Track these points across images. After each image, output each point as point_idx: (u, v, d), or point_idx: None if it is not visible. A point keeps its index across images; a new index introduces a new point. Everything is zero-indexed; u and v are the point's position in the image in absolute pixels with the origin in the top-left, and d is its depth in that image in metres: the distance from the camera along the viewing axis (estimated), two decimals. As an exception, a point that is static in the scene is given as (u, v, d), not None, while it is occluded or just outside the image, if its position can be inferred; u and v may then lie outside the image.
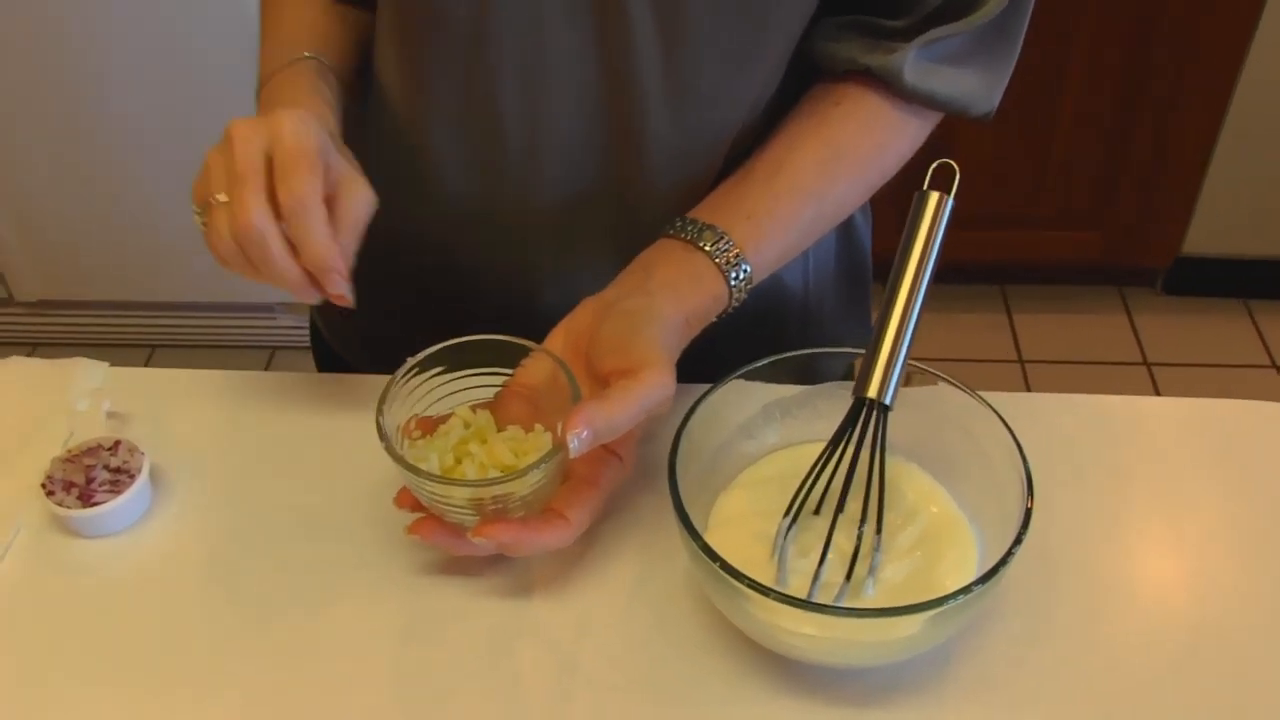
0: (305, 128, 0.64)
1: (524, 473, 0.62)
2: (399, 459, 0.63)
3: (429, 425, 0.68)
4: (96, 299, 2.25)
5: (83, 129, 2.00)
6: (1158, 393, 2.23)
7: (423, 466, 0.64)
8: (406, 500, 0.67)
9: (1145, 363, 2.30)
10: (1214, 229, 2.26)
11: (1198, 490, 0.75)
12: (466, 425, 0.68)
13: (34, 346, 2.26)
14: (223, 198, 0.64)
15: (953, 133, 2.26)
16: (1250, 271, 2.36)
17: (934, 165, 0.68)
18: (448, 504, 0.64)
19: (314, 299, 0.66)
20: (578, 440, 0.60)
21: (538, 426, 0.67)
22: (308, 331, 1.03)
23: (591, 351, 0.66)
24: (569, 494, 0.65)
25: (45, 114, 1.98)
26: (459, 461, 0.66)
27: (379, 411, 0.65)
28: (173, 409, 0.81)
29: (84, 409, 0.78)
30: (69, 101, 1.96)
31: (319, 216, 0.64)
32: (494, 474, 0.65)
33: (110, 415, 0.79)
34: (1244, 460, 0.77)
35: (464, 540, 0.65)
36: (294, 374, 0.84)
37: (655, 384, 0.62)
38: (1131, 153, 2.15)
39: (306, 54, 0.75)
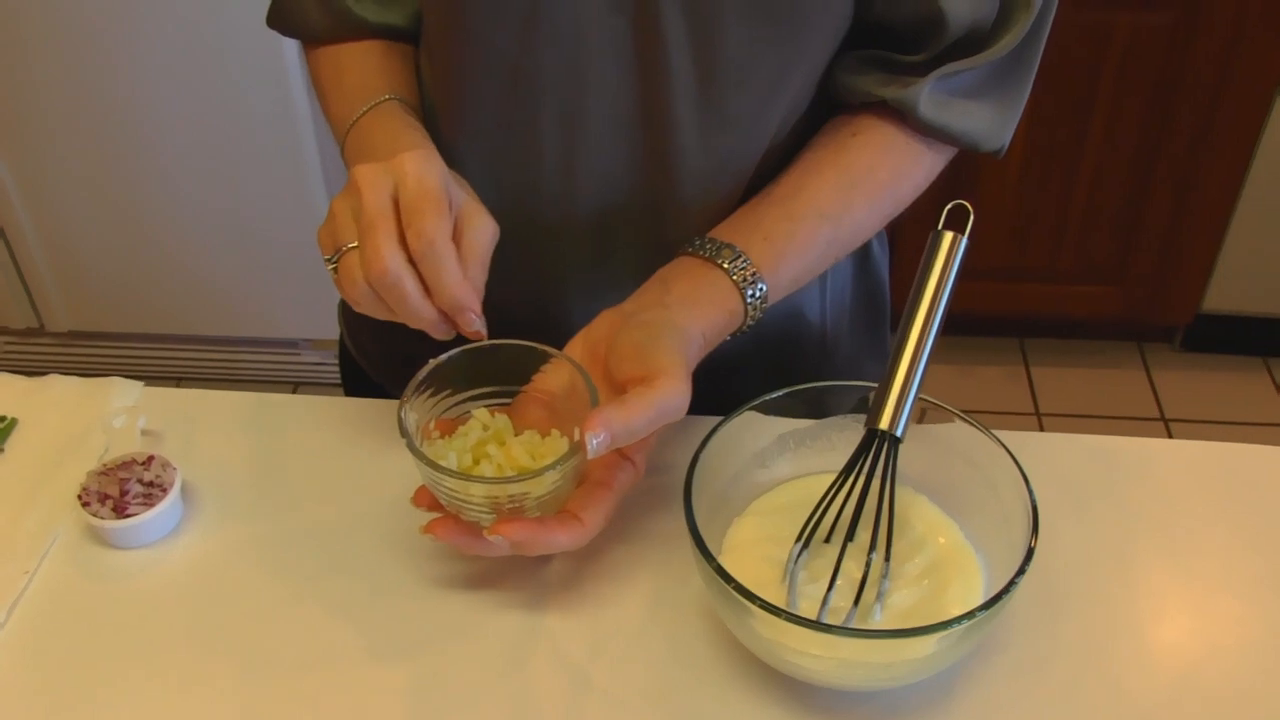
0: (428, 167, 0.65)
1: (542, 472, 0.64)
2: (419, 454, 0.65)
3: (448, 426, 0.71)
4: (125, 330, 2.29)
5: (116, 162, 2.04)
6: (1176, 448, 2.22)
7: (442, 464, 0.66)
8: (424, 499, 0.69)
9: (1163, 418, 2.30)
10: (1234, 286, 2.27)
11: (1202, 530, 0.76)
12: (485, 427, 0.70)
13: (80, 378, 2.29)
14: (353, 244, 0.65)
15: (975, 185, 2.29)
16: (1270, 330, 2.36)
17: (949, 206, 0.70)
18: (465, 502, 0.66)
19: (447, 335, 0.67)
20: (596, 442, 0.62)
21: (554, 431, 0.69)
22: (330, 367, 1.06)
23: (609, 359, 0.68)
24: (584, 496, 0.67)
25: (80, 147, 2.03)
26: (477, 462, 0.68)
27: (401, 409, 0.67)
28: (204, 428, 0.84)
29: (120, 425, 0.81)
30: (105, 135, 2.01)
31: (450, 257, 0.65)
32: (513, 473, 0.67)
33: (145, 432, 0.82)
34: (1248, 502, 0.78)
35: (479, 539, 0.66)
36: (320, 397, 0.87)
37: (671, 391, 0.64)
38: (1152, 208, 2.16)
39: (388, 96, 0.77)
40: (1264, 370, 2.39)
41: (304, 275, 2.13)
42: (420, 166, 0.65)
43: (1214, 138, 2.07)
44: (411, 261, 0.65)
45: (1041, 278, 2.28)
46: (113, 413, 0.83)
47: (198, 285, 2.19)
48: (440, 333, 0.67)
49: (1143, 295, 2.28)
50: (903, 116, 0.77)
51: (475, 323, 0.66)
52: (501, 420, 0.70)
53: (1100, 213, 2.18)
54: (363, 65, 0.81)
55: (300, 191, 2.02)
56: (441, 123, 0.80)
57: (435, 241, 0.64)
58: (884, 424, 0.67)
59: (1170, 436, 2.25)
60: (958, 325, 2.37)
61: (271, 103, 1.93)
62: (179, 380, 2.32)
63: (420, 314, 0.65)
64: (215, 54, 1.90)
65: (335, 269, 0.67)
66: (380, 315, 0.67)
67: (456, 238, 0.66)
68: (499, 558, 0.71)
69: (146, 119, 1.98)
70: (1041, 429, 2.25)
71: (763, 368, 0.85)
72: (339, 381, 1.06)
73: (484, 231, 0.67)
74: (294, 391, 2.33)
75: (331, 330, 1.04)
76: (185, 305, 2.22)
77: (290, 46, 1.86)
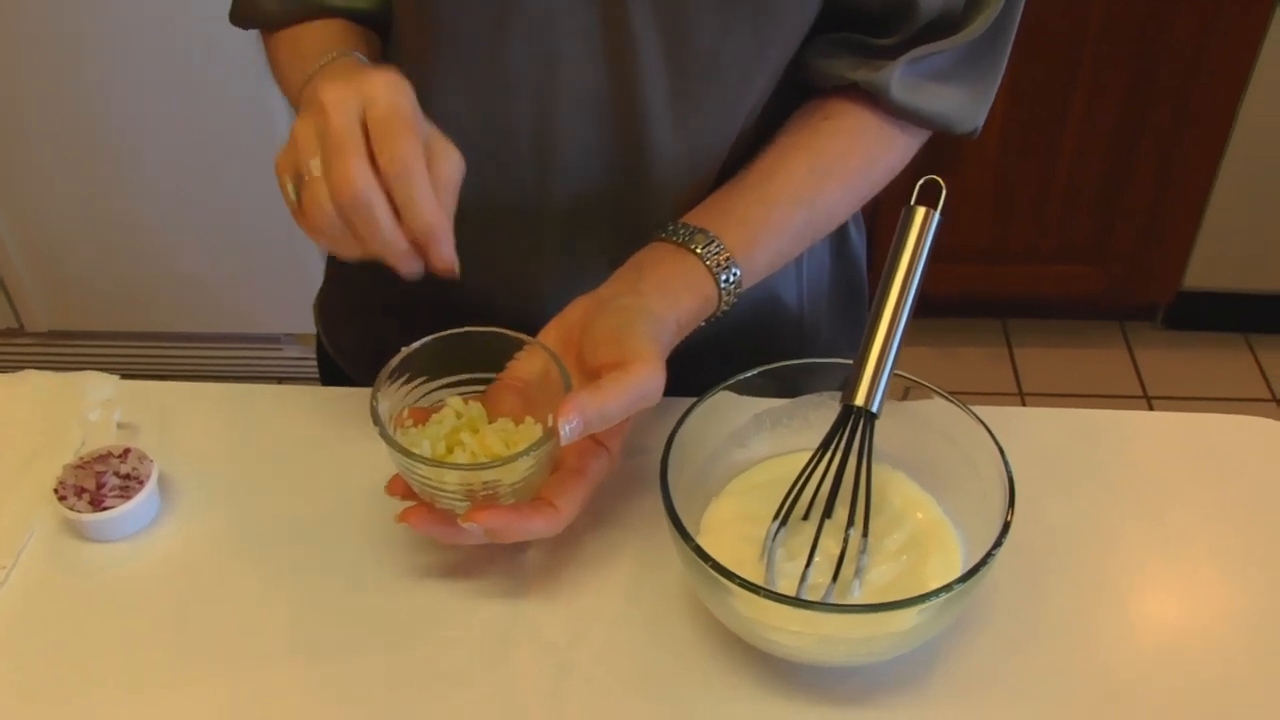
0: (397, 90, 0.62)
1: (515, 459, 0.64)
2: (392, 443, 0.64)
3: (422, 415, 0.70)
4: (105, 329, 2.28)
5: (92, 159, 2.03)
6: (1159, 424, 2.24)
7: (415, 451, 0.65)
8: (399, 488, 0.68)
9: (1146, 397, 2.31)
10: (1215, 263, 2.28)
11: (1183, 501, 0.77)
12: (458, 415, 0.70)
13: (56, 372, 2.28)
14: (317, 168, 0.62)
15: (955, 166, 2.29)
16: (1251, 306, 2.37)
17: (921, 181, 0.70)
18: (439, 489, 0.65)
19: (415, 270, 0.64)
20: (569, 428, 0.61)
21: (528, 419, 0.69)
22: (313, 362, 1.05)
23: (584, 345, 0.67)
24: (558, 483, 0.67)
25: (57, 146, 2.01)
26: (450, 450, 0.68)
27: (373, 398, 0.66)
28: (181, 420, 0.83)
29: (96, 419, 0.81)
30: (80, 132, 2.00)
31: (423, 180, 0.61)
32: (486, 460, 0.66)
33: (121, 425, 0.82)
34: (1228, 472, 0.79)
35: (453, 527, 0.65)
36: (296, 387, 0.87)
37: (645, 376, 0.63)
38: (1132, 187, 2.17)
39: (348, 51, 0.73)
40: (1245, 347, 2.41)
41: (284, 269, 2.12)
42: (389, 89, 0.62)
43: (1192, 115, 2.07)
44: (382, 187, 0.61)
45: (1022, 258, 2.29)
46: (88, 406, 0.83)
47: (177, 282, 2.18)
48: (409, 266, 0.63)
49: (1124, 274, 2.29)
50: (875, 100, 0.76)
51: (447, 251, 0.63)
52: (475, 408, 0.70)
53: (1080, 192, 2.19)
54: (321, 34, 0.79)
55: (276, 185, 2.00)
56: None
57: (409, 163, 0.61)
58: (859, 400, 0.67)
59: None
60: (939, 308, 2.39)
61: (246, 96, 1.92)
62: (160, 378, 2.31)
63: (392, 242, 0.62)
64: (190, 49, 1.89)
65: (297, 197, 0.63)
66: (346, 249, 0.63)
67: (427, 167, 0.63)
68: (475, 546, 0.70)
69: (122, 115, 1.97)
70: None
71: (740, 353, 0.85)
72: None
73: (453, 162, 0.64)
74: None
75: (312, 325, 1.03)
76: (165, 302, 2.21)
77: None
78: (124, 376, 0.87)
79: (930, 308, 2.38)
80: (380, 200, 0.61)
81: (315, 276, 0.95)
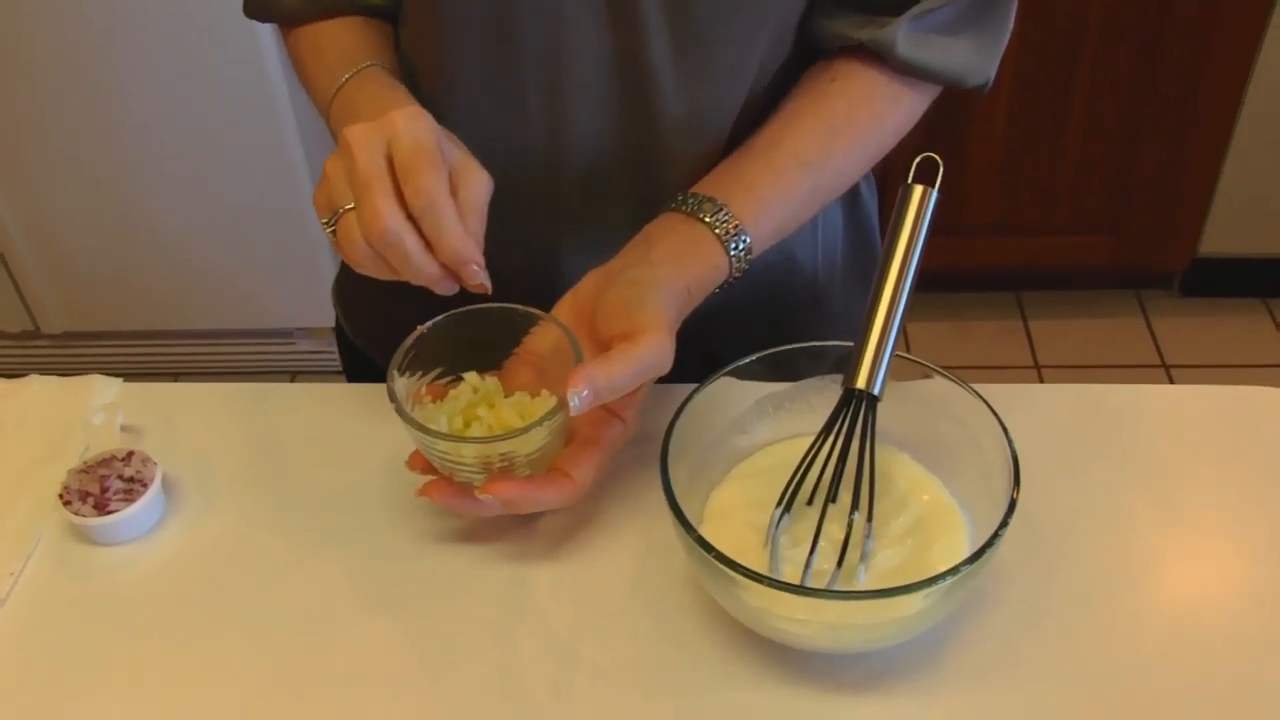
0: (420, 124, 0.64)
1: (528, 430, 0.65)
2: (409, 420, 0.66)
3: (439, 392, 0.72)
4: (120, 329, 2.29)
5: (105, 162, 2.03)
6: (1177, 392, 2.22)
7: (432, 427, 0.66)
8: (419, 463, 0.70)
9: (1164, 365, 2.29)
10: (1230, 229, 2.25)
11: (1195, 474, 0.76)
12: (475, 390, 0.71)
13: (60, 377, 2.29)
14: (350, 206, 0.65)
15: (965, 138, 2.27)
16: (1268, 271, 2.35)
17: (918, 159, 0.69)
18: (457, 464, 0.67)
19: (451, 290, 0.67)
20: (578, 398, 0.62)
21: (544, 392, 0.70)
22: (326, 356, 1.05)
23: (595, 318, 0.68)
24: (573, 454, 0.68)
25: (69, 149, 2.02)
26: (468, 425, 0.69)
27: (390, 377, 0.68)
28: (184, 422, 0.83)
29: (99, 423, 0.81)
30: (92, 135, 2.00)
31: (449, 211, 0.64)
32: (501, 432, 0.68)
33: (124, 428, 0.82)
34: (1240, 443, 0.78)
35: (471, 499, 0.67)
36: (299, 385, 0.87)
37: (654, 345, 0.64)
38: (1144, 154, 2.15)
39: (370, 63, 0.76)
40: (1264, 312, 2.38)
41: (295, 264, 2.12)
42: (412, 123, 0.64)
43: (1204, 80, 2.05)
44: (410, 219, 0.64)
45: (1035, 230, 2.27)
46: (92, 410, 0.83)
47: (190, 279, 2.19)
48: (443, 288, 0.66)
49: (1138, 242, 2.27)
50: (881, 58, 0.76)
51: (479, 275, 0.65)
52: (491, 382, 0.71)
53: (1092, 160, 2.16)
54: (342, 39, 0.81)
55: (285, 180, 2.01)
56: (424, 89, 0.80)
57: (434, 197, 0.63)
58: (861, 383, 0.66)
59: (1172, 383, 2.24)
60: (952, 282, 2.37)
61: (255, 92, 1.92)
62: (175, 376, 2.32)
63: (423, 270, 0.65)
64: (197, 47, 1.89)
65: (334, 232, 0.66)
66: (382, 275, 0.66)
67: (453, 192, 0.65)
68: (491, 517, 0.71)
69: (133, 116, 1.97)
70: (1041, 382, 2.24)
71: (756, 317, 0.86)
72: (337, 369, 1.06)
73: (480, 184, 0.66)
74: (292, 380, 2.33)
75: (325, 318, 1.03)
76: (179, 300, 2.22)
77: (267, 34, 1.85)
78: (139, 376, 0.87)
79: (942, 282, 2.37)
80: (409, 233, 0.64)
81: (327, 271, 0.95)
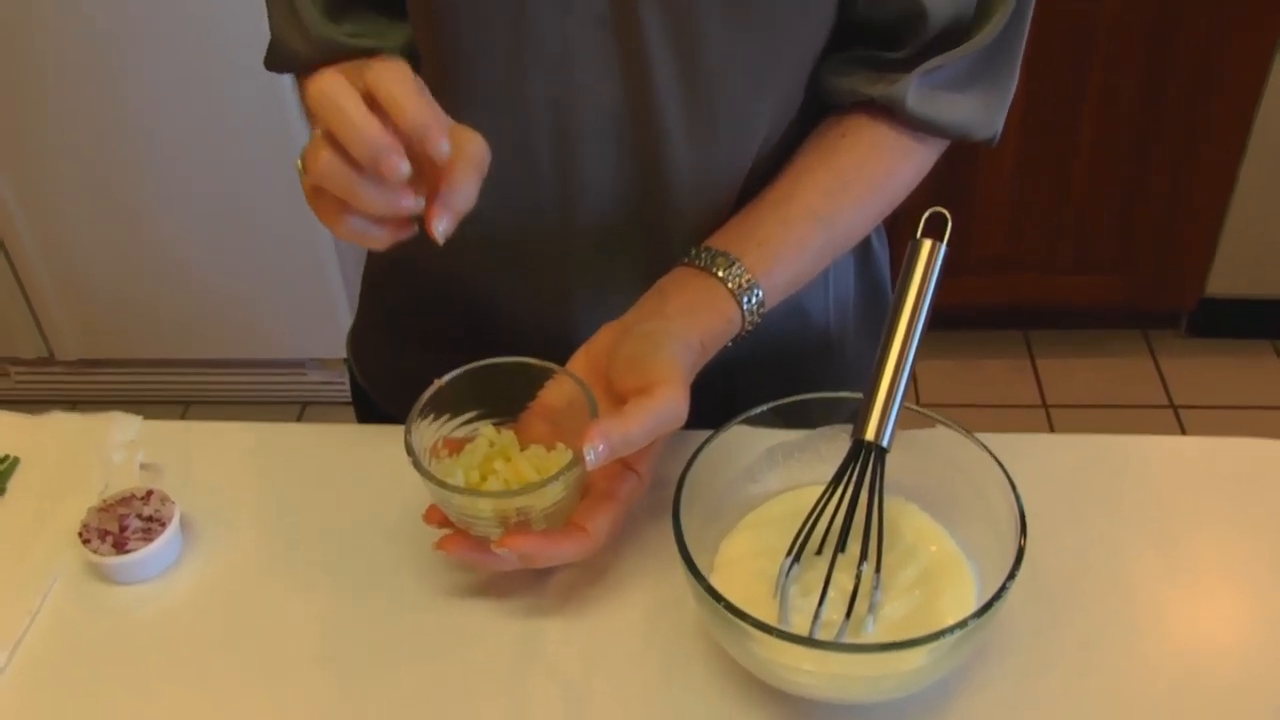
0: (399, 66, 0.60)
1: (544, 485, 0.65)
2: (427, 474, 0.66)
3: (456, 445, 0.72)
4: (134, 357, 2.31)
5: (121, 193, 2.06)
6: (1185, 435, 2.22)
7: (449, 481, 0.67)
8: (435, 517, 0.71)
9: (1172, 406, 2.29)
10: (1237, 269, 2.26)
11: (1200, 527, 0.76)
12: (491, 444, 0.72)
13: (74, 404, 2.31)
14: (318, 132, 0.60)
15: (972, 178, 2.28)
16: (1276, 311, 2.35)
17: (927, 213, 0.70)
18: (474, 518, 0.67)
19: (403, 174, 0.59)
20: (594, 453, 0.63)
21: (559, 445, 0.71)
22: (337, 386, 1.06)
23: (610, 372, 0.69)
24: (589, 507, 0.68)
25: (86, 179, 2.05)
26: (484, 478, 0.70)
27: (407, 430, 0.69)
28: (203, 460, 0.84)
29: (119, 461, 0.82)
30: (108, 167, 2.03)
31: (409, 86, 0.58)
32: (517, 487, 0.68)
33: (144, 466, 0.83)
34: (1244, 496, 0.78)
35: (488, 553, 0.67)
36: (315, 425, 0.88)
37: (669, 400, 0.65)
38: (1150, 194, 2.16)
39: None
40: (1272, 353, 2.39)
41: (308, 295, 2.14)
42: (389, 63, 0.60)
43: (1207, 121, 2.06)
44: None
45: (1042, 268, 2.28)
46: (112, 448, 0.84)
47: (203, 309, 2.21)
48: (392, 168, 0.58)
49: (1145, 282, 2.28)
50: (891, 113, 0.77)
51: (443, 147, 0.59)
52: (507, 436, 0.72)
53: (1098, 199, 2.18)
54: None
55: (299, 211, 2.02)
56: None
57: (389, 72, 0.58)
58: (869, 435, 0.67)
59: (1180, 423, 2.25)
60: (960, 320, 2.38)
61: (270, 123, 1.95)
62: (186, 404, 2.34)
63: (363, 128, 0.58)
64: (216, 81, 1.92)
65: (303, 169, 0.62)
66: (338, 184, 0.60)
67: (454, 147, 0.61)
68: (505, 570, 0.72)
69: (150, 144, 2.00)
70: (1050, 421, 2.24)
71: (768, 366, 0.86)
72: (346, 399, 1.07)
73: (478, 140, 0.63)
74: (302, 410, 2.34)
75: (335, 349, 1.04)
76: (192, 329, 2.24)
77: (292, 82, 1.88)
78: (151, 403, 0.89)
79: (950, 321, 2.38)
80: (353, 96, 0.58)
81: (339, 301, 0.96)
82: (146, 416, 0.88)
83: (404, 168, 0.59)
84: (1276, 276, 2.28)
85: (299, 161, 0.63)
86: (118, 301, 2.21)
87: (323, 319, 2.16)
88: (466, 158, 0.62)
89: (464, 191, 0.62)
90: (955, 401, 2.24)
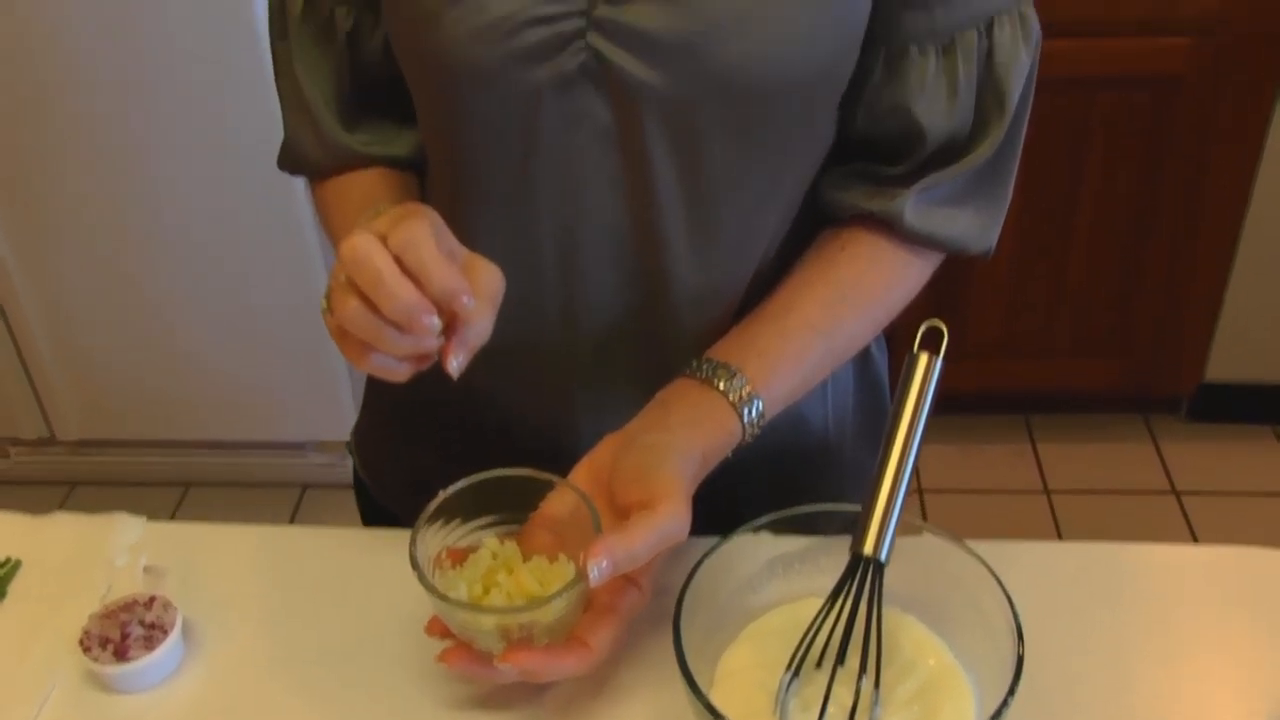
0: (419, 226, 0.63)
1: (547, 601, 0.66)
2: (430, 588, 0.67)
3: (459, 556, 0.73)
4: (133, 438, 2.31)
5: (124, 273, 2.08)
6: (1188, 521, 2.22)
7: (452, 595, 0.68)
8: (437, 628, 0.71)
9: (1174, 491, 2.29)
10: (1236, 354, 2.27)
11: (1197, 635, 0.76)
12: (494, 555, 0.72)
13: (73, 485, 2.31)
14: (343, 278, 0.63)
15: (971, 263, 2.30)
16: (1275, 396, 2.36)
17: (923, 327, 0.71)
18: (477, 631, 0.68)
19: (435, 331, 0.62)
20: (598, 570, 0.63)
21: (561, 556, 0.71)
22: (338, 469, 1.07)
23: (613, 484, 0.70)
24: (591, 621, 0.69)
25: (93, 259, 2.07)
26: (487, 591, 0.70)
27: (412, 543, 0.69)
28: (206, 563, 0.85)
29: (122, 564, 0.82)
30: (116, 248, 2.05)
31: (432, 248, 0.61)
32: (520, 603, 0.69)
33: (147, 569, 0.83)
34: (1244, 605, 0.78)
35: (489, 668, 0.68)
36: (321, 528, 0.88)
37: (672, 515, 0.66)
38: (1148, 279, 2.18)
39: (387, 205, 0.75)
40: (1273, 438, 2.39)
41: (310, 378, 2.15)
42: (404, 216, 0.63)
43: (1203, 209, 2.09)
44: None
45: (1041, 353, 2.29)
46: (115, 551, 0.84)
47: (206, 391, 2.21)
48: (424, 328, 0.62)
49: (1144, 367, 2.29)
50: (890, 227, 0.79)
51: (469, 305, 0.62)
52: (510, 547, 0.73)
53: (1096, 285, 2.19)
54: (367, 184, 0.83)
55: (306, 294, 2.04)
56: None
57: (415, 234, 0.61)
58: (868, 549, 0.67)
59: (1183, 509, 2.24)
60: (960, 405, 2.39)
61: (276, 206, 1.97)
62: (187, 486, 2.34)
63: (396, 292, 0.60)
64: (223, 162, 1.94)
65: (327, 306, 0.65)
66: (367, 332, 0.63)
67: (468, 277, 0.64)
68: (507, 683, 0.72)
69: (157, 226, 2.02)
70: (1051, 507, 2.24)
71: (767, 474, 0.87)
72: (347, 482, 1.07)
73: (494, 273, 0.66)
74: (302, 493, 2.34)
75: (336, 431, 1.05)
76: (194, 411, 2.25)
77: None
78: (150, 484, 0.89)
79: (951, 404, 2.37)
80: (383, 255, 0.61)
81: (340, 384, 0.97)
82: (146, 498, 0.88)
83: (435, 325, 0.63)
84: (1274, 362, 2.29)
85: (324, 300, 0.66)
86: (120, 382, 2.22)
87: (324, 401, 2.17)
88: (484, 297, 0.64)
89: (480, 329, 0.65)
90: (956, 487, 2.23)
